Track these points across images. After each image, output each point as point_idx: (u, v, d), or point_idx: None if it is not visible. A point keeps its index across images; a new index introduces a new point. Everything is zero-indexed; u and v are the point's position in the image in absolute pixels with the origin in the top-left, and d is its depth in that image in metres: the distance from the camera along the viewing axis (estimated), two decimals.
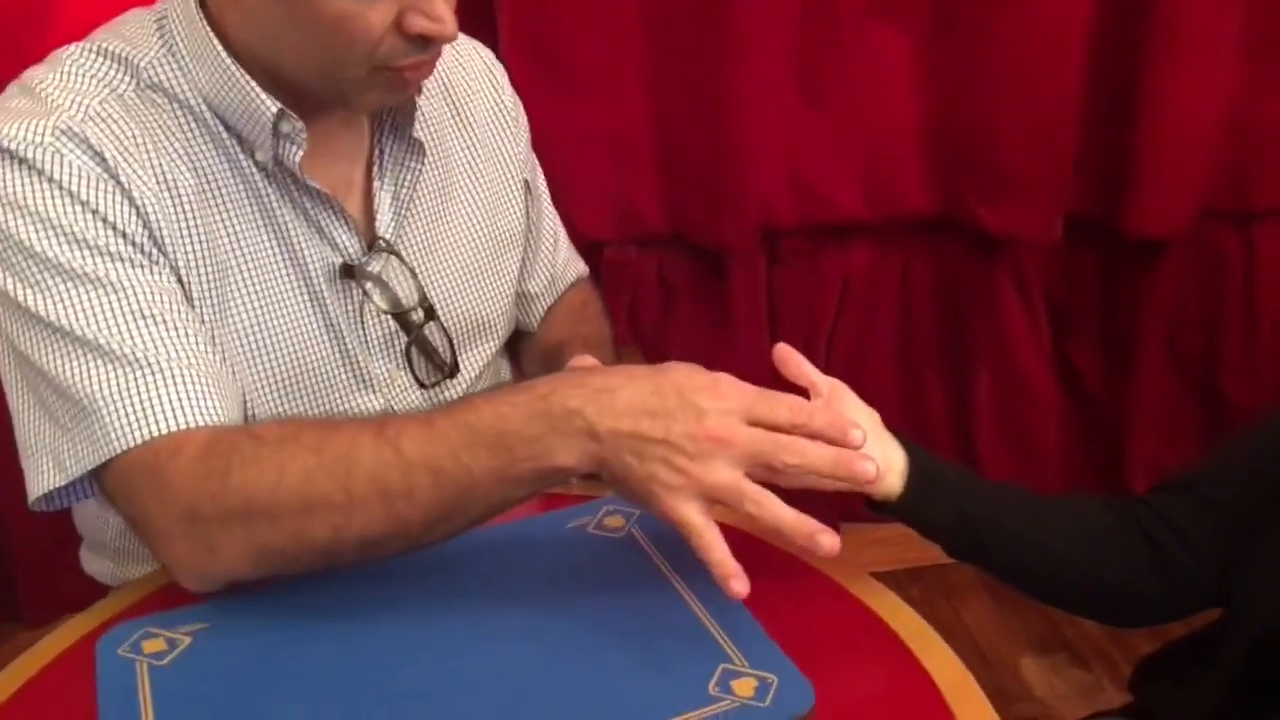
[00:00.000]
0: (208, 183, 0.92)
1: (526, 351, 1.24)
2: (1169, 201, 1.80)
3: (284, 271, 0.96)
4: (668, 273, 1.84)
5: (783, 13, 1.67)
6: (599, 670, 0.79)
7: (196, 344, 0.88)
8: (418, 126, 1.00)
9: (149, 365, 0.85)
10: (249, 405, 0.94)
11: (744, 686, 0.77)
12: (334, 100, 0.94)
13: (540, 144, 1.69)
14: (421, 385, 1.03)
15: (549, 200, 1.23)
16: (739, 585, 0.77)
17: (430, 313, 1.02)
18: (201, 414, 0.85)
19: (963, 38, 1.72)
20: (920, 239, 1.88)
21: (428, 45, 0.88)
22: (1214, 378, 1.98)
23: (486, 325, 1.10)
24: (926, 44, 1.74)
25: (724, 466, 0.77)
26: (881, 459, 0.85)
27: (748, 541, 0.93)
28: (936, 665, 0.80)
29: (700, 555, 0.77)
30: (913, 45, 1.74)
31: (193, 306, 0.91)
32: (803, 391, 0.90)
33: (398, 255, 1.00)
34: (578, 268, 1.28)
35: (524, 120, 1.19)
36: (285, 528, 0.80)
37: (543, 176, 1.23)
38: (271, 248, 0.95)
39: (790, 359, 0.91)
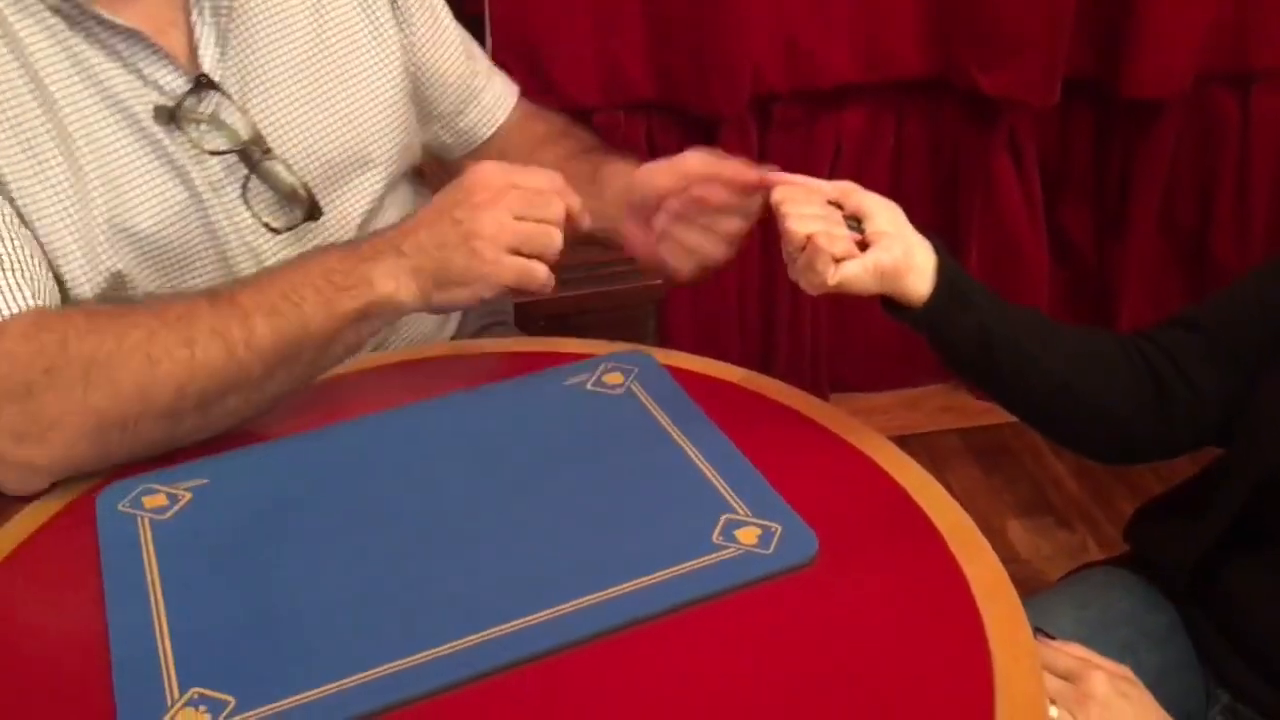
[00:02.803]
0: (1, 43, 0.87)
1: None
2: (1167, 62, 1.77)
3: (107, 120, 0.91)
4: (657, 139, 1.80)
5: None
6: (603, 522, 0.79)
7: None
8: None
9: None
10: (108, 261, 0.91)
11: (747, 535, 0.77)
12: None
13: (525, 7, 1.64)
14: (272, 230, 0.98)
15: (446, 13, 1.12)
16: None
17: (269, 150, 0.96)
18: (13, 304, 0.83)
19: None
20: (914, 102, 1.85)
21: None
22: (1204, 242, 1.97)
23: (359, 160, 1.03)
24: None
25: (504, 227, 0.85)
26: (904, 255, 0.83)
27: (748, 396, 0.93)
28: (940, 514, 0.80)
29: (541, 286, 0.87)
30: None
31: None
32: None
33: (220, 90, 0.94)
34: (509, 87, 1.18)
35: None
36: (126, 389, 0.81)
37: None
38: (86, 95, 0.90)
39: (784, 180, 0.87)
